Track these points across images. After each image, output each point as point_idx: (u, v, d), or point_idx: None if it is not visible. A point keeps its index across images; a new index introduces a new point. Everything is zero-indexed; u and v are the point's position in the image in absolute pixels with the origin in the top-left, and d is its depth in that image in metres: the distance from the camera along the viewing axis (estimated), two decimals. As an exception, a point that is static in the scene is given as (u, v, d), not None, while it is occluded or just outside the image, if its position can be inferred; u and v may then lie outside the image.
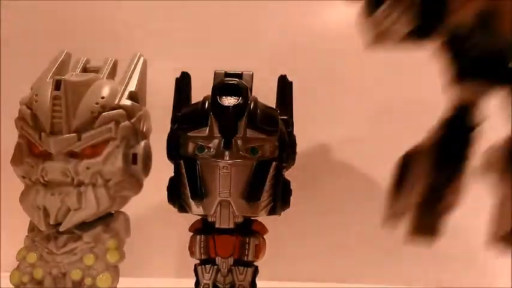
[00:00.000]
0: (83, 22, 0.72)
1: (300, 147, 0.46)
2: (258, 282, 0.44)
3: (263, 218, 0.45)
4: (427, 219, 0.37)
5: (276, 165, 0.43)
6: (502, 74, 0.34)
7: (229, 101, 0.43)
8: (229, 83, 0.43)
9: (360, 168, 0.69)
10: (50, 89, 0.45)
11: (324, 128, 0.69)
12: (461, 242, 0.66)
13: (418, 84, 0.70)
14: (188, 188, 0.43)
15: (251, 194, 0.43)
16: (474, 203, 0.67)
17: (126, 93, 0.48)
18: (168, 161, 0.45)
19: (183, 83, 0.47)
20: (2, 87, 0.71)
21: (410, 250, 0.66)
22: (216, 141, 0.43)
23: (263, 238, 0.46)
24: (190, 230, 0.46)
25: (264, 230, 0.46)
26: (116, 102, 0.47)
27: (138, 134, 0.48)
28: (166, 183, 0.45)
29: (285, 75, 0.48)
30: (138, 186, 0.48)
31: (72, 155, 0.45)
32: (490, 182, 0.37)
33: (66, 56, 0.51)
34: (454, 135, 0.37)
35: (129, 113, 0.47)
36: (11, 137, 0.48)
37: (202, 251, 0.44)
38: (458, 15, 0.33)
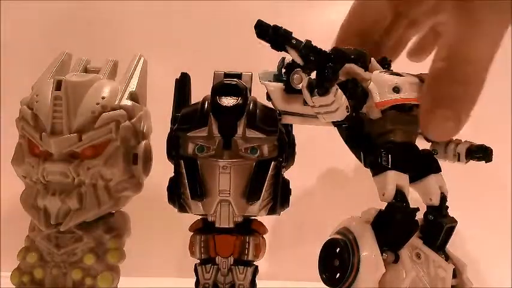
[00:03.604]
0: (83, 22, 0.72)
1: (300, 145, 0.46)
2: (258, 282, 0.45)
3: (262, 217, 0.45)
4: None
5: (275, 165, 0.43)
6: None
7: (228, 101, 0.43)
8: (228, 84, 0.44)
9: (359, 167, 0.69)
10: (50, 89, 0.46)
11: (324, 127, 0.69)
12: (462, 242, 0.66)
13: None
14: (188, 188, 0.43)
15: (251, 193, 0.43)
16: (472, 205, 0.67)
17: (127, 93, 0.48)
18: (168, 161, 0.45)
19: (183, 83, 0.48)
20: (3, 88, 0.71)
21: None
22: (215, 141, 0.43)
23: (263, 238, 0.46)
24: (190, 229, 0.46)
25: (263, 229, 0.46)
26: (117, 102, 0.47)
27: (138, 134, 0.48)
28: (166, 183, 0.45)
29: (285, 76, 0.48)
30: (138, 186, 0.48)
31: (72, 155, 0.45)
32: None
33: (66, 57, 0.51)
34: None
35: (130, 113, 0.47)
36: (12, 137, 0.48)
37: (202, 251, 0.44)
38: None
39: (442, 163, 0.69)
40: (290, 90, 0.44)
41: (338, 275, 0.42)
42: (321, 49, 0.38)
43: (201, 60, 0.65)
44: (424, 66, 0.50)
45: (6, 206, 0.68)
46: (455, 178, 0.67)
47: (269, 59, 0.70)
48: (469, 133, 0.68)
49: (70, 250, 0.46)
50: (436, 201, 0.44)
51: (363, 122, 0.44)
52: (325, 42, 0.71)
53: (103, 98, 0.46)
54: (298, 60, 0.38)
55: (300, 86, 0.39)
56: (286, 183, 0.45)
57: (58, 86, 0.45)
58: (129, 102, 0.47)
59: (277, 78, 0.45)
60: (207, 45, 0.71)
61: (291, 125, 0.46)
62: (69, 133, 0.45)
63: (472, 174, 0.67)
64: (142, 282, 0.61)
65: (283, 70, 0.44)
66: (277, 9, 0.72)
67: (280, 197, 0.44)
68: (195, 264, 0.45)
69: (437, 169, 0.45)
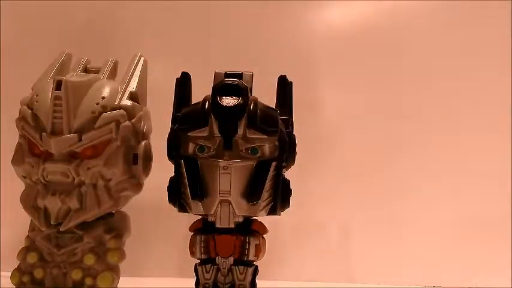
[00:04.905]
0: (83, 22, 0.72)
1: (301, 145, 0.46)
2: (258, 282, 0.45)
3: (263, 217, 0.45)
4: None
5: (276, 165, 0.43)
6: None
7: (229, 101, 0.43)
8: (229, 83, 0.44)
9: (360, 167, 0.69)
10: (50, 89, 0.45)
11: (324, 125, 0.69)
12: (462, 241, 0.66)
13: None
14: (188, 188, 0.43)
15: (251, 193, 0.43)
16: (472, 205, 0.67)
17: (127, 93, 0.48)
18: (169, 161, 0.45)
19: (183, 83, 0.48)
20: (3, 88, 0.71)
21: (410, 249, 0.67)
22: (216, 141, 0.43)
23: (263, 238, 0.46)
24: (190, 229, 0.46)
25: (264, 229, 0.46)
26: (117, 102, 0.47)
27: (138, 134, 0.48)
28: (166, 183, 0.45)
29: (285, 75, 0.48)
30: (138, 186, 0.48)
31: (73, 155, 0.45)
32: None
33: (66, 57, 0.51)
34: None
35: (130, 113, 0.47)
36: (12, 137, 0.48)
37: (202, 251, 0.44)
38: None
39: (441, 159, 0.69)
40: None
41: None
42: None
43: (201, 60, 0.65)
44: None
45: (6, 206, 0.68)
46: (455, 177, 0.67)
47: (270, 58, 0.71)
48: (469, 132, 0.68)
49: (70, 250, 0.45)
50: None
51: None
52: (325, 42, 0.71)
53: (103, 98, 0.46)
54: None
55: None
56: (287, 183, 0.45)
57: (58, 86, 0.45)
58: (129, 102, 0.47)
59: None
60: (207, 45, 0.71)
61: (292, 125, 0.46)
62: (69, 133, 0.45)
63: (473, 173, 0.67)
64: (142, 282, 0.61)
65: None
66: (278, 9, 0.71)
67: (281, 198, 0.44)
68: (195, 264, 0.45)
69: None
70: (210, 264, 0.44)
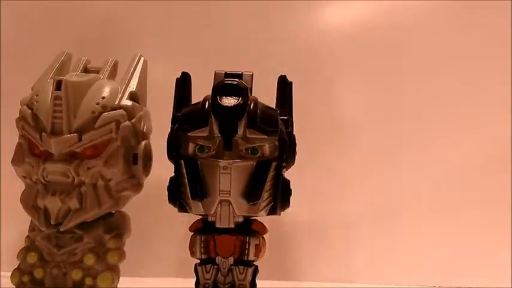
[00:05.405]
0: (83, 22, 0.72)
1: (301, 146, 0.46)
2: (258, 282, 0.45)
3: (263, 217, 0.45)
4: None
5: (276, 165, 0.43)
6: None
7: (229, 101, 0.43)
8: (229, 83, 0.44)
9: (360, 167, 0.69)
10: (50, 89, 0.45)
11: (324, 125, 0.69)
12: (462, 242, 0.66)
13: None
14: (188, 188, 0.43)
15: (251, 193, 0.43)
16: (473, 205, 0.67)
17: (127, 93, 0.48)
18: (169, 161, 0.45)
19: (184, 82, 0.48)
20: (3, 88, 0.71)
21: (410, 249, 0.67)
22: (216, 141, 0.43)
23: (263, 238, 0.46)
24: (190, 229, 0.46)
25: (264, 229, 0.46)
26: (117, 102, 0.47)
27: (138, 134, 0.48)
28: (166, 183, 0.45)
29: (285, 75, 0.48)
30: (138, 186, 0.48)
31: (73, 155, 0.45)
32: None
33: (66, 57, 0.51)
34: None
35: (130, 113, 0.47)
36: (12, 137, 0.48)
37: (202, 251, 0.44)
38: None
39: (441, 159, 0.68)
40: None
41: None
42: None
43: (201, 60, 0.65)
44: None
45: (6, 206, 0.68)
46: (456, 178, 0.67)
47: (270, 58, 0.71)
48: (469, 132, 0.68)
49: (70, 250, 0.45)
50: None
51: None
52: (325, 43, 0.71)
53: (103, 98, 0.46)
54: None
55: None
56: (287, 183, 0.45)
57: (58, 86, 0.45)
58: (129, 102, 0.47)
59: None
60: (207, 45, 0.71)
61: (292, 125, 0.47)
62: (69, 133, 0.45)
63: (473, 172, 0.67)
64: (142, 282, 0.61)
65: None
66: (278, 9, 0.71)
67: (281, 197, 0.44)
68: (195, 264, 0.45)
69: None
70: (210, 264, 0.44)
